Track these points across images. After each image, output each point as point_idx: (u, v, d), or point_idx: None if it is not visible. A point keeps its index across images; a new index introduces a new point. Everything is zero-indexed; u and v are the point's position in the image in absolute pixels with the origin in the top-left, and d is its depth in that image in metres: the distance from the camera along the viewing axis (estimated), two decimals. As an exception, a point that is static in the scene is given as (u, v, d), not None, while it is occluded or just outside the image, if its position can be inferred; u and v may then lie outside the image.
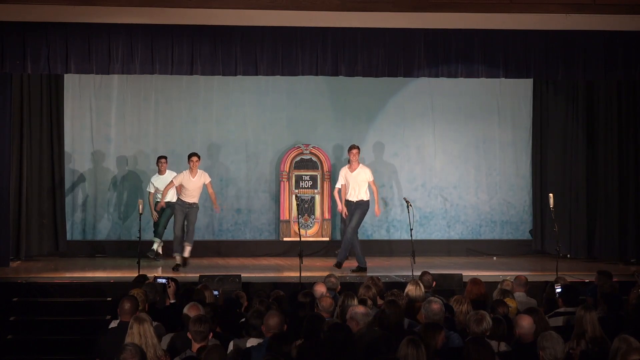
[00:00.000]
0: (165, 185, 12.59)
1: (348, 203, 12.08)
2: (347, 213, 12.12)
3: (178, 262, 11.94)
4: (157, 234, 13.00)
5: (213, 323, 6.75)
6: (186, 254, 12.03)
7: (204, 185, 12.09)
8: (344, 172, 12.19)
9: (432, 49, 11.33)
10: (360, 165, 12.15)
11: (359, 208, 12.00)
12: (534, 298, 9.09)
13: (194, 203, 12.13)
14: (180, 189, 12.10)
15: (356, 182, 11.98)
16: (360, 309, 6.81)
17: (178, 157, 14.06)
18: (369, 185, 12.04)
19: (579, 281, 10.64)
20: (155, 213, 12.97)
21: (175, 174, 12.61)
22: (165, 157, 13.16)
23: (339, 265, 12.03)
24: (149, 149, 14.08)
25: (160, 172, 13.08)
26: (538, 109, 14.57)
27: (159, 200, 12.92)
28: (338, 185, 12.26)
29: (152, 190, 13.01)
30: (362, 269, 11.86)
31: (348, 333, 6.22)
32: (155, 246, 12.97)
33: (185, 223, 12.12)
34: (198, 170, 12.05)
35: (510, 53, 11.44)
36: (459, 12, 11.05)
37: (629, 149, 13.12)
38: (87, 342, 8.71)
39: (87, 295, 10.48)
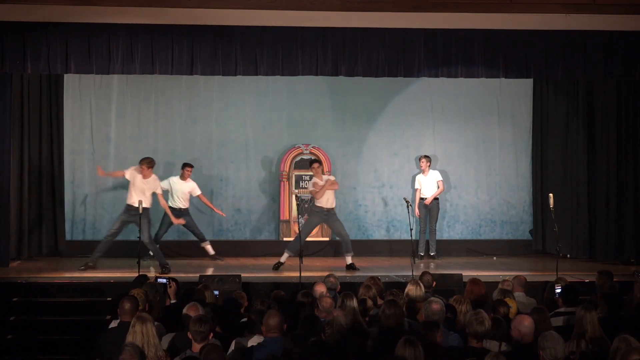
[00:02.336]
0: (185, 192, 12.94)
1: None
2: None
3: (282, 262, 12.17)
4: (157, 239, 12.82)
5: (213, 323, 6.75)
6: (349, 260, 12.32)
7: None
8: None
9: (432, 49, 11.33)
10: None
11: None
12: (533, 298, 9.11)
13: (330, 208, 12.38)
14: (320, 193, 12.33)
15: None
16: (341, 313, 6.87)
17: (178, 157, 14.07)
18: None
19: (579, 281, 10.66)
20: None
21: (194, 184, 13.00)
22: (192, 166, 13.19)
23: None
24: (149, 149, 14.04)
25: (183, 177, 13.08)
26: (538, 109, 14.56)
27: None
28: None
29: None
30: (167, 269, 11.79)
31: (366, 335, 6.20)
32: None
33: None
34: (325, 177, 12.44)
35: (510, 53, 11.43)
36: (459, 12, 11.04)
37: (628, 148, 13.12)
38: (87, 342, 8.73)
39: (87, 295, 10.50)
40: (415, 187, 13.92)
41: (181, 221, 12.86)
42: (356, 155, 14.48)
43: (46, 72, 11.01)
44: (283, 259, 12.13)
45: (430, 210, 13.76)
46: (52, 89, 13.28)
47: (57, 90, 13.41)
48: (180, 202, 13.01)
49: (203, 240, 13.26)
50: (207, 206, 13.49)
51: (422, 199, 13.75)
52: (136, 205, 11.39)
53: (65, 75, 13.19)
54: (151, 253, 12.21)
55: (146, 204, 11.54)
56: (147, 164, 11.89)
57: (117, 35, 10.83)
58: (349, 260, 12.26)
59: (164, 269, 11.60)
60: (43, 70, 10.91)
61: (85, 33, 10.78)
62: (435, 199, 13.78)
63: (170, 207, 12.63)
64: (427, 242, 13.78)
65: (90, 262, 11.88)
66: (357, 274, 11.68)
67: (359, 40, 11.20)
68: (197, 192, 13.15)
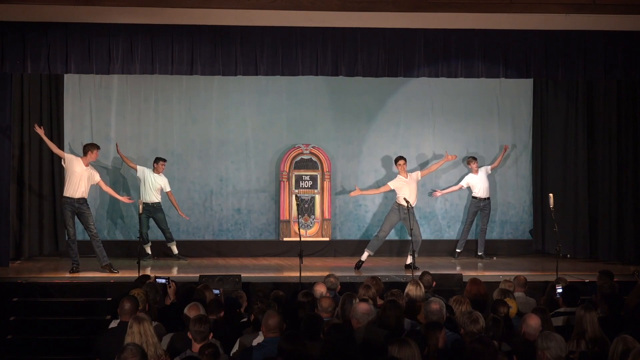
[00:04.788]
0: (157, 185, 13.01)
1: None
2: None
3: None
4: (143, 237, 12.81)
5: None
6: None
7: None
8: None
9: (432, 49, 11.34)
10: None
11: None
12: (533, 298, 9.11)
13: (410, 207, 12.27)
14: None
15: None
16: (363, 307, 6.78)
17: (178, 157, 14.07)
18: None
19: (579, 281, 10.66)
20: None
21: (166, 180, 13.13)
22: (165, 160, 13.28)
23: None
24: (148, 149, 14.06)
25: (157, 171, 13.15)
26: (538, 109, 14.57)
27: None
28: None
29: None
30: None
31: (349, 333, 6.20)
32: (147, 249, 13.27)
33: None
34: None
35: (510, 53, 11.44)
36: (459, 12, 11.05)
37: (628, 148, 13.12)
38: (87, 342, 8.75)
39: (87, 295, 10.50)
40: (461, 183, 14.05)
41: (126, 199, 12.46)
42: (356, 155, 14.48)
43: (46, 72, 11.02)
44: (363, 257, 12.33)
45: (482, 209, 13.85)
46: (52, 89, 13.28)
47: (57, 90, 13.41)
48: (153, 195, 13.03)
49: (171, 240, 13.23)
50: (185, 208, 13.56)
51: (474, 197, 13.86)
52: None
53: (65, 75, 13.20)
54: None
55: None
56: None
57: (117, 35, 10.84)
58: (409, 260, 12.28)
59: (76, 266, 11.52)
60: (43, 70, 10.91)
61: (85, 33, 10.79)
62: (487, 198, 13.86)
63: (143, 203, 12.08)
64: (476, 241, 13.96)
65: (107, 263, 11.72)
66: (357, 273, 11.68)
67: (359, 40, 11.21)
68: (168, 188, 13.23)
